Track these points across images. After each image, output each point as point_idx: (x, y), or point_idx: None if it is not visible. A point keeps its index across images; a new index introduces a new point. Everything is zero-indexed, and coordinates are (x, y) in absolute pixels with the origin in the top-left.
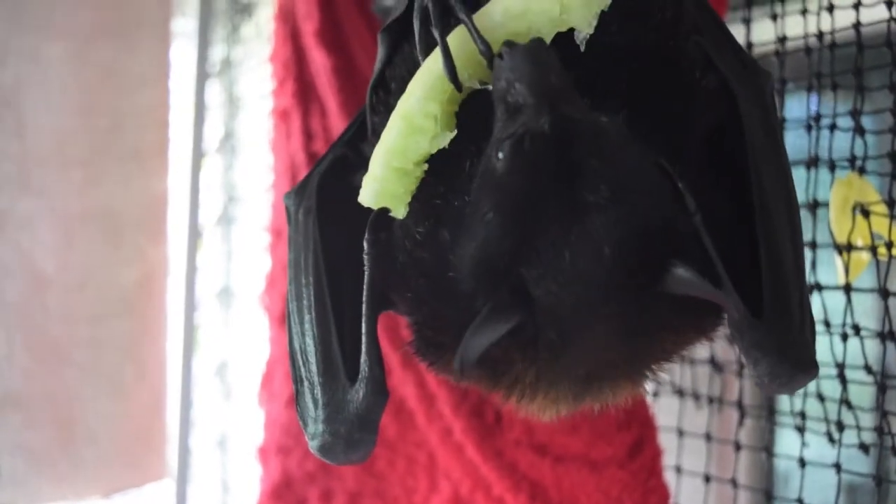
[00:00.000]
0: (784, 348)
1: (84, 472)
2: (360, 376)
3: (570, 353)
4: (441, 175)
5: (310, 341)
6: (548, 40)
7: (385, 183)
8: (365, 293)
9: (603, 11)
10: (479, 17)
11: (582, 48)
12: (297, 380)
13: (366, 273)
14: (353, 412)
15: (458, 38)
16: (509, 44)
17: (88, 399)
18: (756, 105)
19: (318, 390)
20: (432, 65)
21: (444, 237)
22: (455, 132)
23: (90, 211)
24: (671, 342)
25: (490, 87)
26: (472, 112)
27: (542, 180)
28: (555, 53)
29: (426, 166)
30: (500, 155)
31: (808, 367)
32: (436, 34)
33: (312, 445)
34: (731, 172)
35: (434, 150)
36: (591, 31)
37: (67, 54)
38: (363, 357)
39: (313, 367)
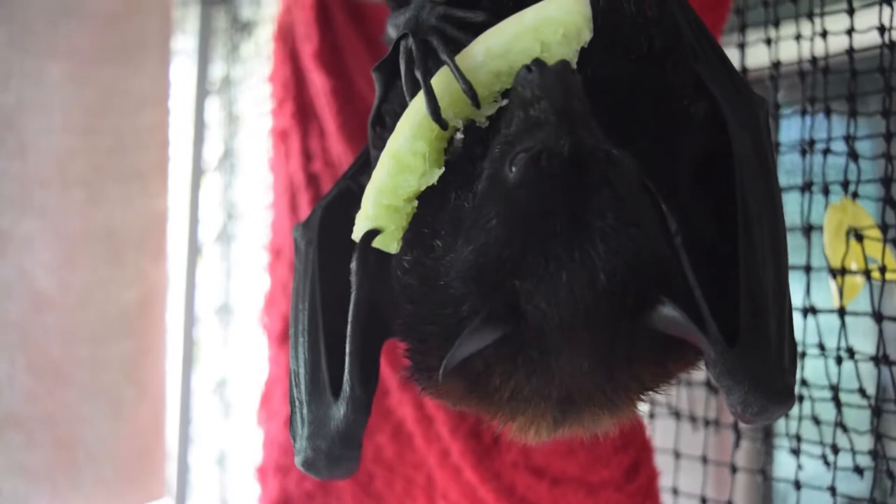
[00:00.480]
0: (757, 378)
1: (84, 492)
2: (341, 395)
3: (546, 374)
4: (428, 205)
5: (301, 363)
6: None
7: (377, 220)
8: (351, 313)
9: (583, 47)
10: (462, 58)
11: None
12: (291, 401)
13: (353, 294)
14: (335, 429)
15: (442, 79)
16: (538, 62)
17: (89, 419)
18: (747, 130)
19: (305, 409)
20: (419, 105)
21: (431, 259)
22: (443, 169)
23: (91, 231)
24: (650, 375)
25: (478, 123)
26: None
27: (551, 198)
28: (579, 79)
29: (416, 203)
30: (514, 167)
31: (782, 398)
32: (419, 76)
33: (297, 461)
34: (722, 198)
35: (423, 188)
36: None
37: (69, 75)
38: (346, 376)
39: (303, 388)
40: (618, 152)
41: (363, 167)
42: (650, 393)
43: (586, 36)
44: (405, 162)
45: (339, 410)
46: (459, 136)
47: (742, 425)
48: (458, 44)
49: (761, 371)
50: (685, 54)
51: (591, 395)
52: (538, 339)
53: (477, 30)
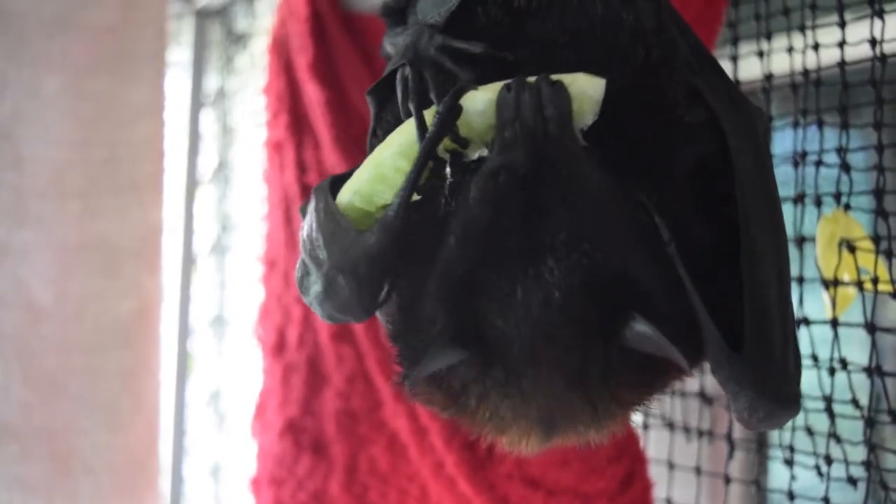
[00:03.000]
0: (763, 383)
1: None
2: (379, 221)
3: (518, 396)
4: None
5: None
6: None
7: (348, 213)
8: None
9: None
10: (465, 99)
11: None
12: (302, 270)
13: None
14: (362, 250)
15: (434, 112)
16: (518, 81)
17: (85, 431)
18: (746, 141)
19: (322, 252)
20: (411, 126)
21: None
22: (419, 196)
23: (87, 242)
24: (630, 394)
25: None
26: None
27: (507, 216)
28: (566, 94)
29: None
30: (474, 185)
31: (789, 403)
32: (411, 108)
33: (313, 293)
34: (719, 208)
35: None
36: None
37: (64, 87)
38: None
39: (319, 240)
40: (587, 166)
41: None
42: (636, 408)
43: (588, 119)
44: (384, 174)
45: (373, 234)
46: (447, 169)
47: (736, 436)
48: (454, 77)
49: (767, 376)
50: (680, 65)
51: (572, 414)
52: (503, 360)
53: (474, 61)
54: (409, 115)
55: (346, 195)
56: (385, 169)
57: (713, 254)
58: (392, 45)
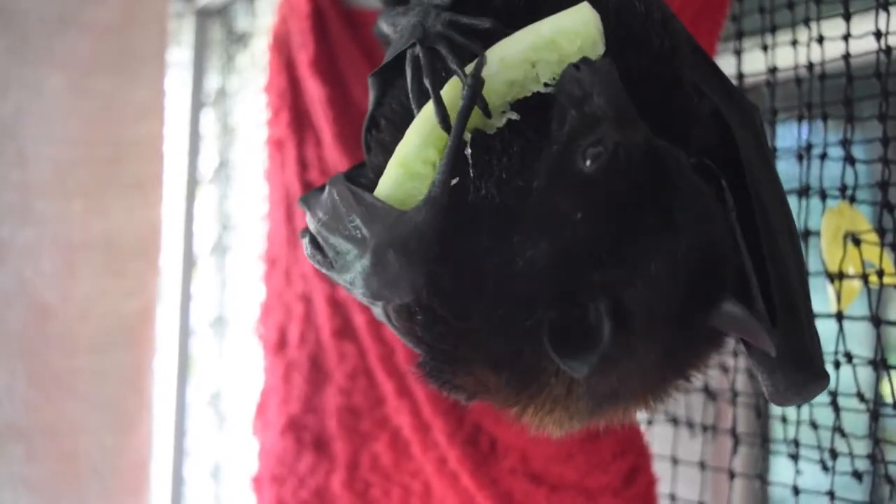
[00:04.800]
0: (797, 357)
1: None
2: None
3: (610, 372)
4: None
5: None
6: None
7: None
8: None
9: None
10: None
11: None
12: (331, 250)
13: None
14: (412, 227)
15: (451, 88)
16: (586, 61)
17: (92, 431)
18: (749, 133)
19: (360, 230)
20: (428, 113)
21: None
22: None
23: (91, 241)
24: (692, 370)
25: (488, 132)
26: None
27: (635, 192)
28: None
29: None
30: (588, 160)
31: (820, 376)
32: (428, 85)
33: (357, 270)
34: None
35: None
36: None
37: (67, 85)
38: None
39: (355, 219)
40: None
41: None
42: (685, 387)
43: (600, 49)
44: (414, 170)
45: (420, 212)
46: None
47: (740, 430)
48: (467, 52)
49: (800, 351)
50: (688, 56)
51: (635, 390)
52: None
53: (484, 37)
54: (419, 97)
55: None
56: (413, 165)
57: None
58: (392, 25)
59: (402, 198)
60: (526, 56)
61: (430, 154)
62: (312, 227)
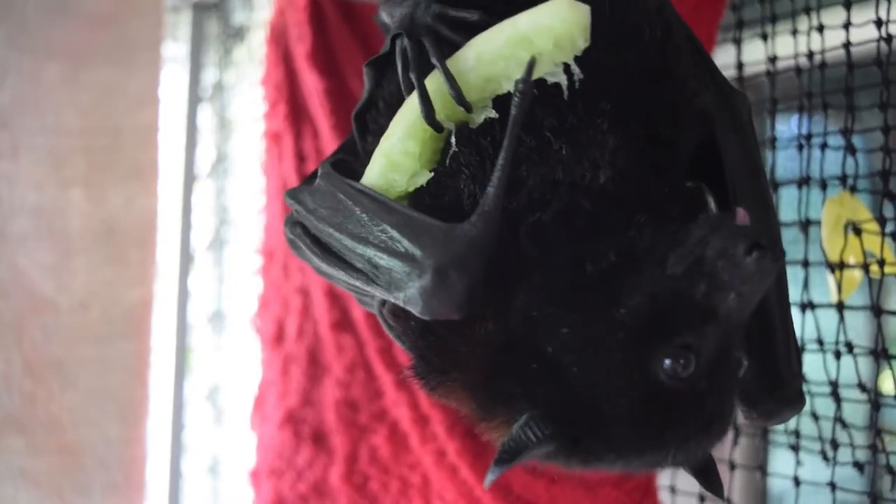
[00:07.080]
0: (769, 383)
1: (92, 500)
2: (475, 212)
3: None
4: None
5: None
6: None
7: None
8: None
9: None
10: (454, 62)
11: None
12: (367, 266)
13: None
14: (469, 244)
15: (436, 81)
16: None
17: (97, 423)
18: (732, 126)
19: (402, 244)
20: (412, 105)
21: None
22: (433, 174)
23: (88, 231)
24: None
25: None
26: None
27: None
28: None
29: (406, 202)
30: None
31: (794, 402)
32: (413, 78)
33: (416, 289)
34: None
35: (412, 189)
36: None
37: (63, 75)
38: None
39: (394, 233)
40: None
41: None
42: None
43: (581, 45)
44: (395, 161)
45: (475, 226)
46: (453, 139)
47: (740, 421)
48: (453, 45)
49: (773, 376)
50: (682, 47)
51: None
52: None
53: (472, 29)
54: (409, 87)
55: None
56: (395, 156)
57: None
58: (389, 14)
59: (384, 188)
60: (500, 52)
61: (411, 146)
62: (311, 224)
